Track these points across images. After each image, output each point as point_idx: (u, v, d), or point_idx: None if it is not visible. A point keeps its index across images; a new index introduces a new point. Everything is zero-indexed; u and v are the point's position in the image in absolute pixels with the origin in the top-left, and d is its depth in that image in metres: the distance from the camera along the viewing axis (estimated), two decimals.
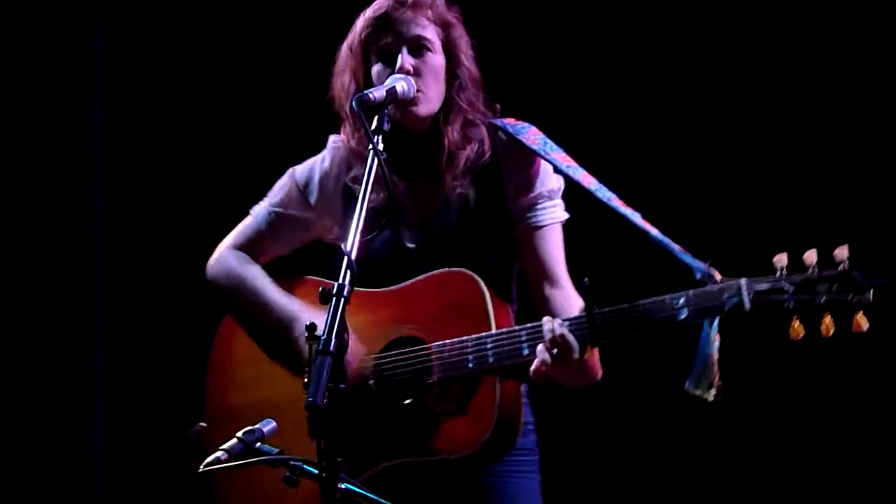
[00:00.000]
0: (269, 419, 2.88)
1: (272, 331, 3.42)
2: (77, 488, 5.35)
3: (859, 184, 4.66)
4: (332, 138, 3.50)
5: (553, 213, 3.36)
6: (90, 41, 5.36)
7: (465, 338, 3.22)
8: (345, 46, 3.41)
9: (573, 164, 3.33)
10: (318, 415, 2.69)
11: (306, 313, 3.35)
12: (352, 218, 3.19)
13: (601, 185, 3.28)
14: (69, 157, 5.39)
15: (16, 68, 5.33)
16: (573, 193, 3.34)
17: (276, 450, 2.83)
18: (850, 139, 4.69)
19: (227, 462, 2.76)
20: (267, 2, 5.31)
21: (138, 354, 5.36)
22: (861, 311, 2.89)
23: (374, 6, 3.37)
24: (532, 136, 3.36)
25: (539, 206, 3.35)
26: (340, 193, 3.45)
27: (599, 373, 3.19)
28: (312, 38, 5.07)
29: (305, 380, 2.71)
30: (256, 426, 2.85)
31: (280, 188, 3.52)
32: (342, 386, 2.73)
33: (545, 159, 3.32)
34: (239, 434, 2.82)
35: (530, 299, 3.36)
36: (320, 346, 2.72)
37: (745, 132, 4.81)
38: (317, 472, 2.72)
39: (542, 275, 3.33)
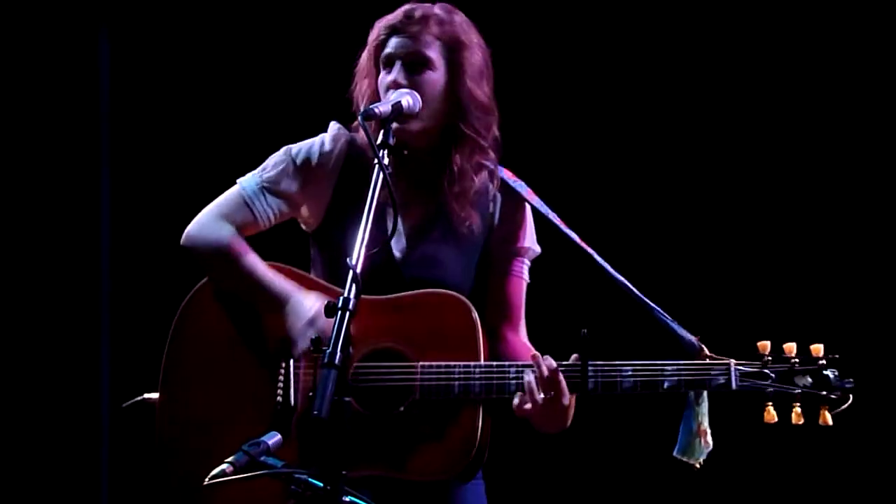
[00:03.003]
0: (274, 432, 2.85)
1: (256, 310, 3.37)
2: (85, 490, 5.37)
3: (840, 272, 4.93)
4: (333, 124, 3.49)
5: (527, 271, 3.51)
6: (97, 54, 5.37)
7: (452, 363, 3.26)
8: (365, 51, 3.42)
9: (568, 229, 3.45)
10: (322, 428, 2.69)
11: (300, 294, 3.31)
12: (342, 213, 3.27)
13: (596, 253, 3.41)
14: (77, 166, 5.41)
15: (24, 80, 5.35)
16: (569, 255, 3.44)
17: (282, 462, 2.80)
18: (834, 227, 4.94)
19: (233, 475, 2.75)
20: (270, 10, 5.33)
21: (146, 353, 5.36)
22: (827, 408, 3.16)
23: (387, 16, 3.39)
24: (529, 196, 3.47)
25: (524, 260, 3.49)
26: (334, 183, 3.43)
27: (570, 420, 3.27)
28: (314, 44, 5.14)
29: (311, 393, 2.71)
30: (261, 438, 2.81)
31: (274, 164, 3.44)
32: (347, 399, 2.74)
33: (547, 219, 3.42)
34: (244, 446, 2.79)
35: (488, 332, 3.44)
36: (325, 360, 2.72)
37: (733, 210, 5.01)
38: (322, 484, 2.73)
39: (507, 318, 3.48)
